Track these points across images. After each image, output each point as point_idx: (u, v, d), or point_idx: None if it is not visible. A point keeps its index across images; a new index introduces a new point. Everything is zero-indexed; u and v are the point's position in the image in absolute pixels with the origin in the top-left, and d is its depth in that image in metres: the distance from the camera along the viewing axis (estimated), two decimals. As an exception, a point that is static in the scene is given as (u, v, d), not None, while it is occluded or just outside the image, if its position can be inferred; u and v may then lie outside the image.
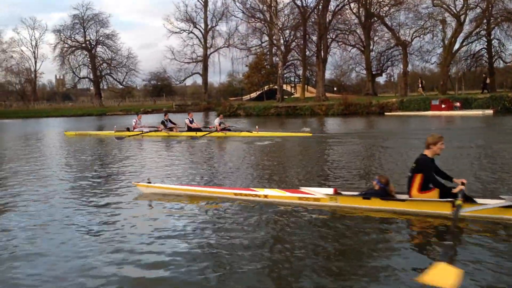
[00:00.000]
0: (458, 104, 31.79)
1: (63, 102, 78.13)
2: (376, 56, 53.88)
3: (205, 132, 20.07)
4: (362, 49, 50.68)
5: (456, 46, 46.50)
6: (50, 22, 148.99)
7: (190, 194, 7.40)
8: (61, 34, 71.23)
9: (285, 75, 53.79)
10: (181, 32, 64.58)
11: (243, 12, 51.80)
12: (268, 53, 58.51)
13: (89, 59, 73.02)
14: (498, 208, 5.55)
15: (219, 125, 20.22)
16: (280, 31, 48.18)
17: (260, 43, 59.27)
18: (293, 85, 60.35)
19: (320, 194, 6.55)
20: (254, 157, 13.09)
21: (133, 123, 22.03)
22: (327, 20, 44.28)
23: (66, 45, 72.03)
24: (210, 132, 20.09)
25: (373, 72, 52.32)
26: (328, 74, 56.36)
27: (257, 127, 20.33)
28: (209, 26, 63.71)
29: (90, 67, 73.45)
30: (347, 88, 61.63)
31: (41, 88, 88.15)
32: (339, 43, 52.34)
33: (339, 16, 46.94)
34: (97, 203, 7.26)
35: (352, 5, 47.72)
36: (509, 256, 4.48)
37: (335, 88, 60.26)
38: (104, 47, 73.81)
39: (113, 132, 21.91)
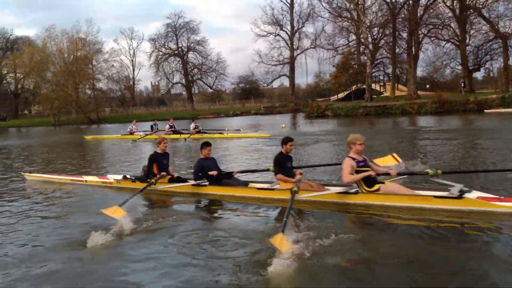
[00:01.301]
0: None
1: (158, 107, 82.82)
2: (472, 51, 50.54)
3: (187, 135, 22.34)
4: (457, 43, 47.90)
5: None
6: (149, 31, 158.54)
7: (56, 180, 10.13)
8: (156, 43, 76.22)
9: (373, 74, 52.62)
10: (268, 35, 65.86)
11: (329, 12, 51.67)
12: (355, 52, 57.48)
13: (181, 65, 77.12)
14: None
15: (195, 128, 22.72)
16: (368, 29, 47.20)
17: (347, 42, 58.42)
18: (382, 84, 58.80)
19: (112, 179, 9.23)
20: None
21: (129, 129, 25.56)
22: (418, 15, 42.62)
23: (161, 53, 76.85)
24: (188, 134, 22.41)
25: (470, 68, 49.17)
26: (419, 71, 54.12)
27: (227, 129, 23.09)
28: (296, 28, 64.19)
29: (182, 72, 77.60)
30: (440, 85, 58.52)
31: (139, 94, 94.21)
32: (432, 38, 49.91)
33: (431, 10, 44.85)
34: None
35: (445, -3, 45.35)
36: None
37: (427, 86, 57.60)
38: (195, 53, 77.82)
39: (120, 135, 25.83)
